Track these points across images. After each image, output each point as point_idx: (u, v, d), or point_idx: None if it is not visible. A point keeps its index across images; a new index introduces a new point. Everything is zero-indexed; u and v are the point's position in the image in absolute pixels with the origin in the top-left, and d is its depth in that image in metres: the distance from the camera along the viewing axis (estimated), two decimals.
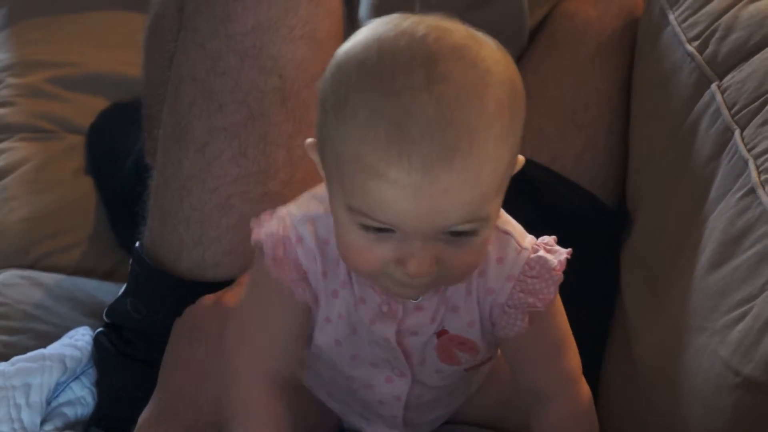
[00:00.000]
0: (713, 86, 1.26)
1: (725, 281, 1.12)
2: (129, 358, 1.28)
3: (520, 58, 1.51)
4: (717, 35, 1.29)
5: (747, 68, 1.23)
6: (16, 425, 1.23)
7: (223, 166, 1.24)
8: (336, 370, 1.06)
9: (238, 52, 1.24)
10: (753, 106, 1.20)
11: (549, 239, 0.99)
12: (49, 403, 1.27)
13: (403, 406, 1.07)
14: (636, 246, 1.34)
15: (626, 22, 1.48)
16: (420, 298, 0.98)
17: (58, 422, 1.26)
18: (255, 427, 1.03)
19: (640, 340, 1.26)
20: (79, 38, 1.85)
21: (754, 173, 1.15)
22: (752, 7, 1.28)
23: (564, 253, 0.98)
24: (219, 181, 1.25)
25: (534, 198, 1.37)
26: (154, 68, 1.44)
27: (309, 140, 0.94)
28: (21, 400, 1.24)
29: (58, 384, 1.27)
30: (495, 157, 0.87)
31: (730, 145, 1.20)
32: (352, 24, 1.37)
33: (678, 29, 1.35)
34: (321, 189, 0.99)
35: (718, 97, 1.24)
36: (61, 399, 1.28)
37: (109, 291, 1.44)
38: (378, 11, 1.49)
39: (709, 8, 1.32)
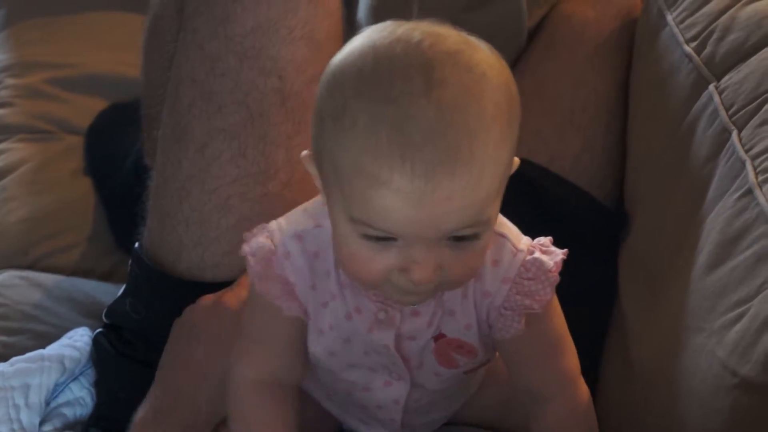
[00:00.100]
0: (711, 87, 1.26)
1: (723, 282, 1.12)
2: (128, 359, 1.27)
3: (518, 59, 1.51)
4: (715, 36, 1.29)
5: (745, 69, 1.23)
6: (15, 426, 1.23)
7: (222, 167, 1.24)
8: (334, 376, 1.06)
9: (237, 53, 1.24)
10: (750, 106, 1.20)
11: (545, 240, 0.99)
12: (48, 403, 1.26)
13: (401, 409, 1.07)
14: (634, 246, 1.34)
15: (624, 23, 1.49)
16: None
17: (57, 423, 1.26)
18: None
19: (638, 340, 1.26)
20: (78, 39, 1.85)
21: (751, 174, 1.15)
22: (750, 8, 1.28)
23: (560, 254, 0.98)
24: (218, 182, 1.25)
25: (532, 199, 1.37)
26: (153, 69, 1.44)
27: (305, 152, 0.94)
28: (20, 401, 1.24)
29: (57, 384, 1.27)
30: (495, 159, 0.87)
31: (727, 146, 1.20)
32: (350, 25, 1.37)
33: (676, 30, 1.35)
34: (311, 203, 0.99)
35: (716, 98, 1.25)
36: (60, 399, 1.28)
37: (108, 292, 1.44)
38: (376, 12, 1.49)
39: (707, 9, 1.33)
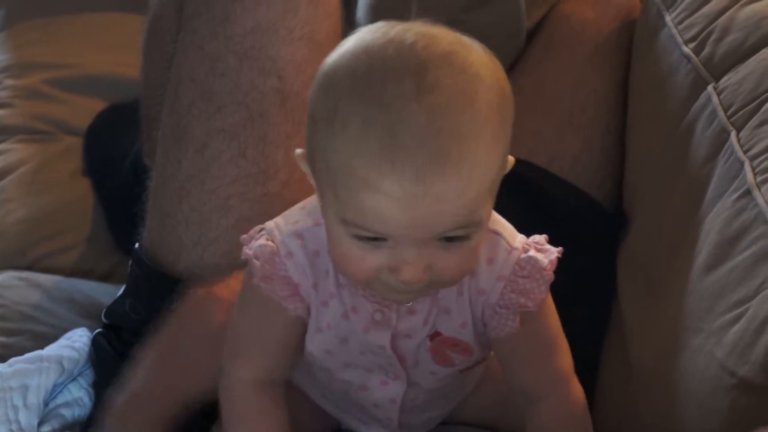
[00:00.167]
0: (709, 88, 1.26)
1: (721, 282, 1.12)
2: (128, 359, 1.27)
3: (517, 60, 1.51)
4: (713, 37, 1.29)
5: (743, 70, 1.23)
6: (14, 426, 1.23)
7: (222, 167, 1.25)
8: (330, 375, 1.06)
9: (237, 53, 1.24)
10: (749, 107, 1.20)
11: (539, 238, 0.99)
12: (46, 404, 1.26)
13: (398, 408, 1.07)
14: (633, 247, 1.34)
15: (623, 24, 1.49)
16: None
17: (55, 423, 1.26)
18: None
19: (637, 340, 1.26)
20: (77, 40, 1.85)
21: (750, 175, 1.15)
22: (748, 9, 1.28)
23: (555, 252, 0.97)
24: (218, 182, 1.25)
25: (531, 199, 1.37)
26: (152, 70, 1.44)
27: (299, 151, 0.94)
28: (18, 402, 1.24)
29: (55, 385, 1.27)
30: (486, 161, 0.87)
31: (726, 147, 1.20)
32: (350, 25, 1.37)
33: (674, 31, 1.35)
34: (309, 201, 0.99)
35: (715, 99, 1.25)
36: (59, 400, 1.28)
37: (107, 292, 1.44)
38: (375, 12, 1.50)
39: (705, 10, 1.33)
